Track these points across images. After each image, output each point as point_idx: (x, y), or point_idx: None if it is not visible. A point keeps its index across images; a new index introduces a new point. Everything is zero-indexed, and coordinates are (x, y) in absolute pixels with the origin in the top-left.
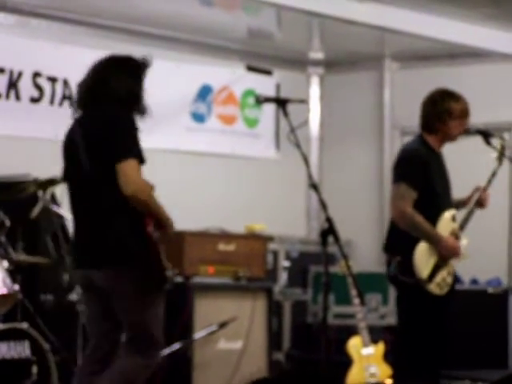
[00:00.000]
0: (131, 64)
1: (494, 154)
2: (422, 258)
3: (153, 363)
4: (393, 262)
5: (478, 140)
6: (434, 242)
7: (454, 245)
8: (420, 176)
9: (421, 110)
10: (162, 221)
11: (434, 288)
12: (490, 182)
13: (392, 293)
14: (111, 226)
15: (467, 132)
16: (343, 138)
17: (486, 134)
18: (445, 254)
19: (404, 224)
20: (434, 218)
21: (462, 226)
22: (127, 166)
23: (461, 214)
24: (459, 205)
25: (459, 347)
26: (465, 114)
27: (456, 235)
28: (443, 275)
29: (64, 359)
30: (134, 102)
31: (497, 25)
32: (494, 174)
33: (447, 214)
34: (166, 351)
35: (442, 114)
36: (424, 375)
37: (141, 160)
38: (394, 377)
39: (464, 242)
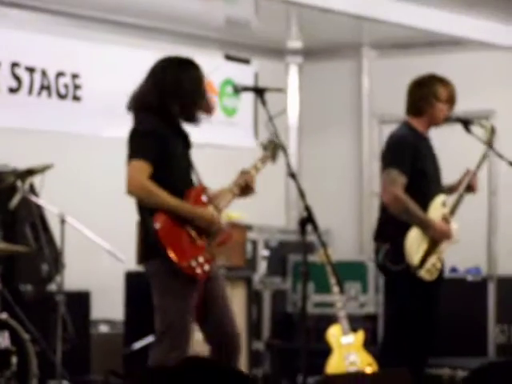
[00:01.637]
0: (158, 66)
1: (484, 138)
2: (413, 244)
3: (173, 356)
4: (381, 249)
5: (443, 128)
6: (426, 226)
7: (445, 228)
8: (409, 161)
9: (407, 92)
10: (184, 216)
11: (424, 274)
12: (479, 165)
13: (371, 281)
14: (141, 222)
15: (448, 120)
16: (322, 127)
17: (465, 122)
18: (437, 238)
19: (396, 209)
20: (424, 203)
21: (453, 211)
22: (129, 167)
23: (451, 199)
24: (449, 190)
25: (438, 335)
26: (452, 98)
27: (447, 220)
28: (433, 261)
29: (43, 349)
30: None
31: (475, 13)
32: (484, 158)
33: (438, 199)
34: (144, 342)
35: (429, 95)
36: (411, 362)
37: (150, 159)
38: (379, 364)
39: (455, 226)
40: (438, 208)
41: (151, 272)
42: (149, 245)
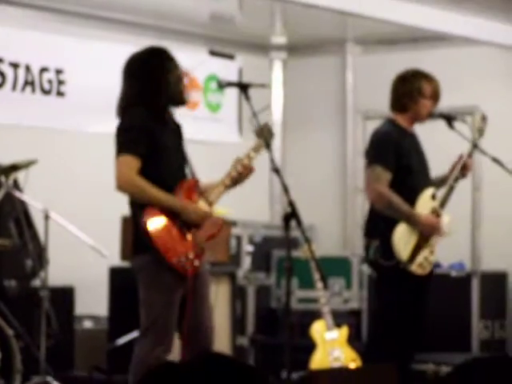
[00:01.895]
0: (140, 60)
1: (477, 125)
2: (401, 239)
3: (157, 351)
4: (371, 245)
5: (426, 124)
6: (413, 221)
7: (434, 222)
8: (393, 158)
9: (391, 89)
10: (171, 210)
11: (415, 269)
12: (470, 154)
13: (355, 277)
14: (132, 217)
15: (431, 116)
16: (306, 123)
17: (448, 118)
18: (425, 232)
19: (381, 205)
20: (412, 198)
21: (443, 204)
22: (117, 163)
23: (441, 191)
24: (439, 183)
25: (424, 332)
26: (436, 94)
27: (437, 213)
28: (425, 254)
29: (27, 345)
30: (144, 98)
31: (459, 9)
32: (475, 146)
33: (426, 193)
34: (128, 338)
35: (413, 91)
36: (398, 358)
37: (139, 154)
38: (365, 360)
39: (446, 218)
40: (426, 201)
41: (139, 266)
42: (138, 239)
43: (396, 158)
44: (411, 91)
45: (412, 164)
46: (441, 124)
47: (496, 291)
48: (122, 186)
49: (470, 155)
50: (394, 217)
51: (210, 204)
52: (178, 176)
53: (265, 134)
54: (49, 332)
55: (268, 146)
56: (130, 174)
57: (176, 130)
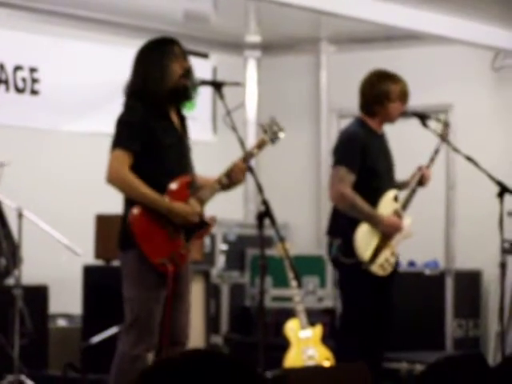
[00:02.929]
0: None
1: (438, 131)
2: (363, 239)
3: (140, 348)
4: (334, 244)
5: (400, 123)
6: (375, 222)
7: (395, 223)
8: (359, 159)
9: (359, 92)
10: (161, 211)
11: (376, 269)
12: (433, 159)
13: (330, 275)
14: (123, 213)
15: (404, 115)
16: (280, 121)
17: (422, 117)
18: (387, 232)
19: (344, 206)
20: (375, 199)
21: (405, 206)
22: (111, 157)
23: (403, 194)
24: (402, 185)
25: (396, 329)
26: (404, 95)
27: (398, 214)
28: (386, 256)
29: (1, 344)
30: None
31: (433, 7)
32: (436, 152)
33: (389, 195)
34: (102, 336)
35: (380, 96)
36: (367, 357)
37: (132, 150)
38: (336, 359)
39: (408, 220)
40: (389, 203)
41: (124, 262)
42: (125, 236)
43: (362, 160)
44: (379, 96)
45: (377, 166)
46: (412, 123)
47: (470, 290)
48: (112, 180)
49: (428, 166)
50: (355, 217)
51: (202, 202)
52: (175, 174)
53: (272, 130)
54: (23, 331)
55: (274, 142)
56: (122, 169)
57: (179, 124)
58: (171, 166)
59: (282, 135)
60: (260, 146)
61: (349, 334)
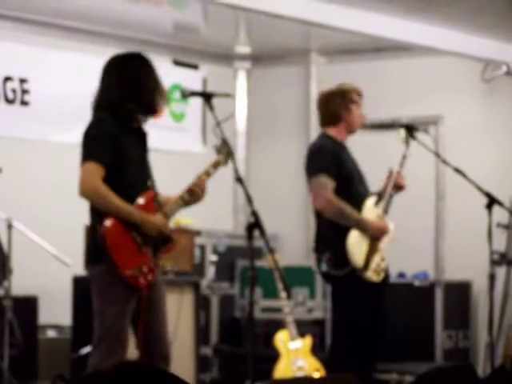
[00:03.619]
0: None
1: (401, 138)
2: (355, 246)
3: (111, 361)
4: (323, 258)
5: (385, 134)
6: (363, 226)
7: (382, 225)
8: (334, 166)
9: (321, 104)
10: (133, 222)
11: (371, 275)
12: (402, 165)
13: (319, 287)
14: (90, 226)
15: (391, 126)
16: (270, 132)
17: (410, 128)
18: (376, 235)
19: (331, 212)
20: (356, 205)
21: (386, 210)
22: (82, 169)
23: (382, 200)
24: (379, 195)
25: (386, 340)
26: (360, 96)
27: (381, 219)
28: (377, 261)
29: None
30: (110, 105)
31: (421, 18)
32: (404, 158)
33: (369, 201)
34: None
35: (347, 102)
36: (359, 368)
37: (104, 162)
38: (327, 370)
39: (391, 225)
40: (371, 209)
41: (93, 276)
42: (95, 249)
43: (337, 167)
44: (344, 102)
45: (352, 173)
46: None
47: (459, 301)
48: (85, 193)
49: (399, 172)
50: (343, 224)
51: (168, 218)
52: (140, 187)
53: (225, 151)
54: (12, 341)
55: (227, 162)
56: (95, 181)
57: (142, 140)
58: (136, 180)
59: (230, 158)
60: (215, 166)
61: (342, 345)
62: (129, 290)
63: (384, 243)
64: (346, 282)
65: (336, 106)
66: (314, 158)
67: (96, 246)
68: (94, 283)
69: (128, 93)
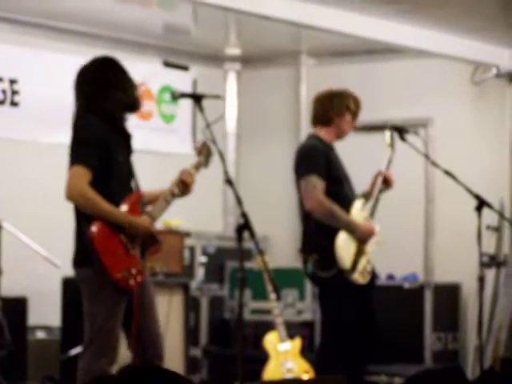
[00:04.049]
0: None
1: (387, 142)
2: (343, 248)
3: (101, 363)
4: (309, 260)
5: (372, 137)
6: (351, 229)
7: (370, 227)
8: (325, 167)
9: (315, 104)
10: (120, 224)
11: (358, 277)
12: (387, 168)
13: (309, 288)
14: (77, 229)
15: (382, 128)
16: (260, 134)
17: (400, 130)
18: (363, 238)
19: (322, 213)
20: (345, 207)
21: (372, 213)
22: (70, 173)
23: (368, 203)
24: (366, 196)
25: (376, 342)
26: (356, 115)
27: (367, 222)
28: (363, 263)
29: None
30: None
31: (411, 20)
32: (390, 161)
33: (356, 204)
34: (81, 348)
35: (342, 107)
36: (348, 370)
37: (91, 166)
38: (316, 372)
39: (377, 228)
40: (358, 211)
41: (82, 278)
42: (83, 252)
43: (327, 168)
44: (340, 106)
45: (340, 175)
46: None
47: (449, 303)
48: (71, 197)
49: (387, 168)
50: (332, 225)
51: (153, 219)
52: (125, 190)
53: (204, 153)
54: (1, 342)
55: (207, 164)
56: (82, 185)
57: (126, 141)
58: (122, 183)
59: (216, 157)
60: (196, 167)
61: (331, 347)
62: (118, 292)
63: (370, 245)
64: (332, 283)
65: (330, 107)
66: (305, 159)
67: (84, 249)
68: (84, 285)
69: (109, 93)
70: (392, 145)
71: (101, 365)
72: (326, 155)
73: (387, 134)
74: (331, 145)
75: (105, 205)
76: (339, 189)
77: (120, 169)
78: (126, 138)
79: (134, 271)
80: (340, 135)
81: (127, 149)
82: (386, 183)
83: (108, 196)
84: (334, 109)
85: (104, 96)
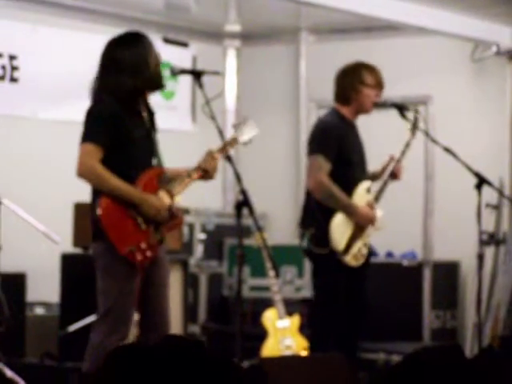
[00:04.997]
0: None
1: (408, 126)
2: (338, 229)
3: (113, 339)
4: (306, 234)
5: (393, 113)
6: (350, 211)
7: (369, 213)
8: (335, 148)
9: (335, 81)
10: (130, 201)
11: (350, 260)
12: (403, 153)
13: (307, 266)
14: (92, 204)
15: (383, 105)
16: (259, 111)
17: (400, 108)
18: (361, 223)
19: (321, 194)
20: (349, 189)
21: (377, 198)
22: (80, 150)
23: (376, 186)
24: (374, 176)
25: (374, 319)
26: (378, 84)
27: (371, 206)
28: (359, 246)
29: None
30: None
31: None
32: (407, 146)
33: (362, 186)
34: (79, 325)
35: (356, 83)
36: (341, 347)
37: (102, 143)
38: (310, 350)
39: (379, 213)
40: (362, 194)
41: (96, 253)
42: (96, 226)
43: (338, 150)
44: (353, 82)
45: (352, 157)
46: (387, 114)
47: (447, 281)
48: (82, 174)
49: (399, 160)
50: (331, 206)
51: (172, 196)
52: (143, 167)
53: (245, 128)
54: (0, 318)
55: (247, 142)
56: (92, 163)
57: (148, 119)
58: (140, 160)
59: (250, 137)
60: (233, 144)
61: (322, 323)
62: (129, 267)
63: (369, 231)
64: (325, 260)
65: (344, 85)
66: (317, 137)
67: (96, 223)
68: (97, 261)
69: (131, 71)
70: (413, 129)
71: (112, 340)
72: (340, 135)
73: (409, 117)
74: (352, 122)
75: (115, 181)
76: (347, 170)
77: (135, 146)
78: (148, 116)
79: (143, 245)
80: (361, 110)
81: (147, 127)
82: (393, 175)
83: (122, 173)
84: (349, 86)
85: (117, 79)
